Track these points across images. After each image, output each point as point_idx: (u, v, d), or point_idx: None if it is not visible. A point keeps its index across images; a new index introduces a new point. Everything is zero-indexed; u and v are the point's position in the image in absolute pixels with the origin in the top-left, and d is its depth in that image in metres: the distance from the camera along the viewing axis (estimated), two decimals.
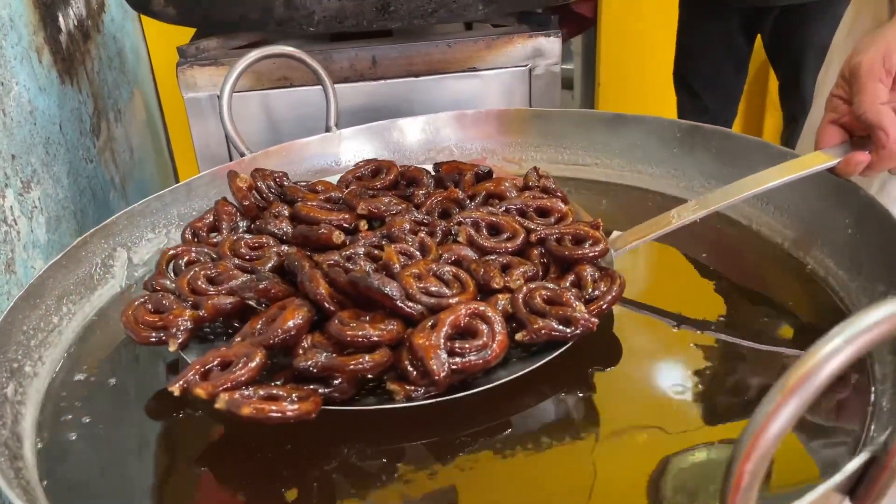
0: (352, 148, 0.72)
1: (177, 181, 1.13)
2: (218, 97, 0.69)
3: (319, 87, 0.71)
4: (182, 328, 0.45)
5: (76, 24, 0.98)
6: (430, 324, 0.43)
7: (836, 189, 0.53)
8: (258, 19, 0.75)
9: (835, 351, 0.24)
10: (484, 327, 0.43)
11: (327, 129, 0.72)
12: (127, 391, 0.49)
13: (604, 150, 0.70)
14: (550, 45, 0.85)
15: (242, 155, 0.68)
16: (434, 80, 0.85)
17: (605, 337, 0.50)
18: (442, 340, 0.42)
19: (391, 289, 0.43)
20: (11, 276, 0.67)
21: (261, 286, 0.46)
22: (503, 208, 0.55)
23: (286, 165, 0.66)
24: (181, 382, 0.40)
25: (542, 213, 0.55)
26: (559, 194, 0.57)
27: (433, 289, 0.46)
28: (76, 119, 0.93)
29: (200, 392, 0.39)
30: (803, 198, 0.56)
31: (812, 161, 0.52)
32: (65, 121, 0.87)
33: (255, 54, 0.67)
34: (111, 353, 0.52)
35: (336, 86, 0.73)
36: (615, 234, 0.55)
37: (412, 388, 0.41)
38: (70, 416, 0.45)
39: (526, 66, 0.86)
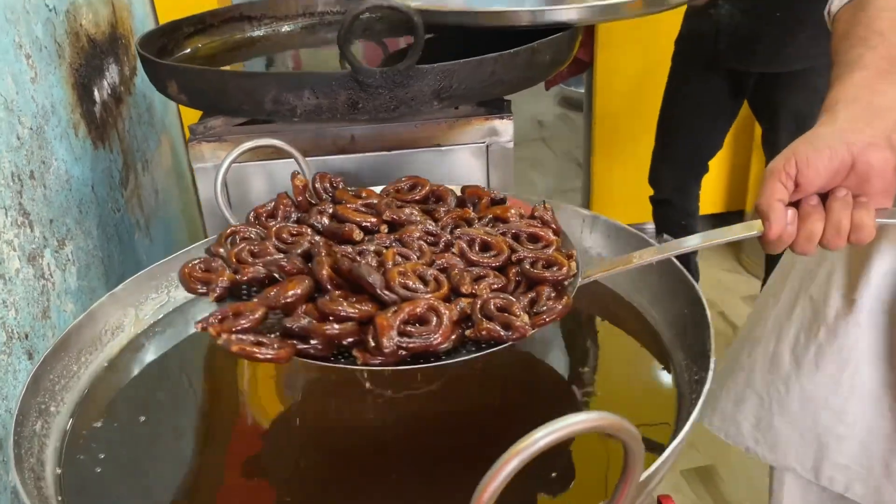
0: None
1: (200, 214, 1.29)
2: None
3: (318, 157, 0.86)
4: (221, 285, 0.59)
5: (109, 92, 1.15)
6: (393, 309, 0.55)
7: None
8: (252, 110, 0.90)
9: (540, 438, 0.38)
10: (434, 319, 0.55)
11: None
12: (133, 428, 0.65)
13: None
14: (503, 126, 0.99)
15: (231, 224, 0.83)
16: (404, 154, 1.00)
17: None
18: (397, 322, 0.53)
19: (373, 278, 0.56)
20: (47, 321, 0.83)
21: (282, 263, 0.60)
22: (501, 230, 0.66)
23: None
24: (202, 322, 0.54)
25: (534, 238, 0.65)
26: (553, 226, 0.67)
27: (411, 284, 0.57)
28: (107, 177, 1.09)
29: (211, 330, 0.53)
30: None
31: (740, 230, 0.62)
32: (97, 181, 1.04)
33: (241, 147, 0.82)
34: (119, 396, 0.68)
35: (321, 158, 0.88)
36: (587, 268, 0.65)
37: (369, 356, 0.53)
38: (84, 448, 0.61)
39: (483, 143, 1.00)
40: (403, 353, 0.54)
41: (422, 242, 0.63)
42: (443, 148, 1.00)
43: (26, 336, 0.77)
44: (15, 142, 0.80)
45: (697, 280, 2.04)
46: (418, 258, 0.61)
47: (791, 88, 1.48)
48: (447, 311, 0.55)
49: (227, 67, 1.15)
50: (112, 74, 1.16)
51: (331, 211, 0.69)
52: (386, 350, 0.53)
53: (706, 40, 1.51)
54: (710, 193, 2.22)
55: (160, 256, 1.29)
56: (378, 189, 0.75)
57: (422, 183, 0.74)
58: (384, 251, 0.61)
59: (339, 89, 0.86)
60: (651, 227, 2.69)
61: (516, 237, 0.65)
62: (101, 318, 0.71)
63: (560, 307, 0.57)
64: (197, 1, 1.40)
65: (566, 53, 1.03)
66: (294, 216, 0.71)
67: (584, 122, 2.32)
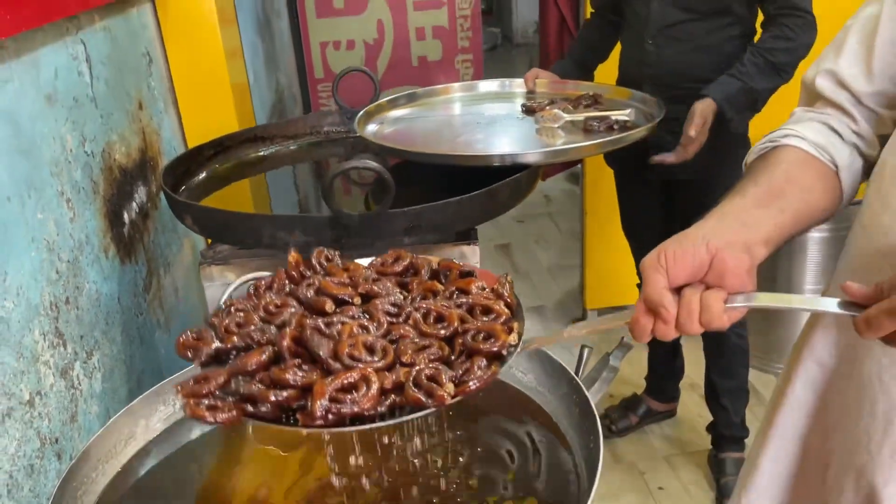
0: None
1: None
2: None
3: None
4: (205, 354, 0.70)
5: (137, 211, 1.33)
6: (331, 378, 0.63)
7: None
8: (252, 242, 1.07)
9: None
10: (364, 387, 0.63)
11: None
12: None
13: None
14: (470, 251, 1.14)
15: None
16: None
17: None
18: (330, 390, 0.62)
19: (323, 349, 0.66)
20: (74, 424, 0.99)
21: (253, 335, 0.70)
22: (459, 302, 0.74)
23: None
24: (178, 384, 0.66)
25: (487, 311, 0.73)
26: (507, 299, 0.75)
27: (356, 355, 0.66)
28: (132, 286, 1.26)
29: (181, 393, 0.65)
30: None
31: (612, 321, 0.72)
32: (122, 293, 1.21)
33: (239, 280, 0.98)
34: (130, 495, 0.82)
35: None
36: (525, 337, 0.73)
37: (308, 418, 0.62)
38: None
39: None
40: (332, 416, 0.61)
41: (386, 313, 0.71)
42: None
43: (56, 440, 0.93)
44: (54, 276, 0.97)
45: (682, 368, 2.14)
46: (376, 328, 0.69)
47: (709, 190, 1.67)
48: (376, 381, 0.63)
49: (241, 181, 1.33)
50: (140, 195, 1.34)
51: (317, 284, 0.77)
52: (317, 414, 0.61)
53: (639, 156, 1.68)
54: None
55: None
56: (367, 261, 0.85)
57: (403, 256, 0.83)
58: (343, 324, 0.69)
59: (324, 229, 1.03)
60: None
61: (471, 310, 0.73)
62: (117, 429, 0.87)
63: (485, 377, 0.65)
64: (220, 123, 1.58)
65: (527, 189, 1.18)
66: (287, 288, 0.79)
67: (578, 210, 2.48)
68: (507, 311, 0.74)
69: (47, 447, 0.91)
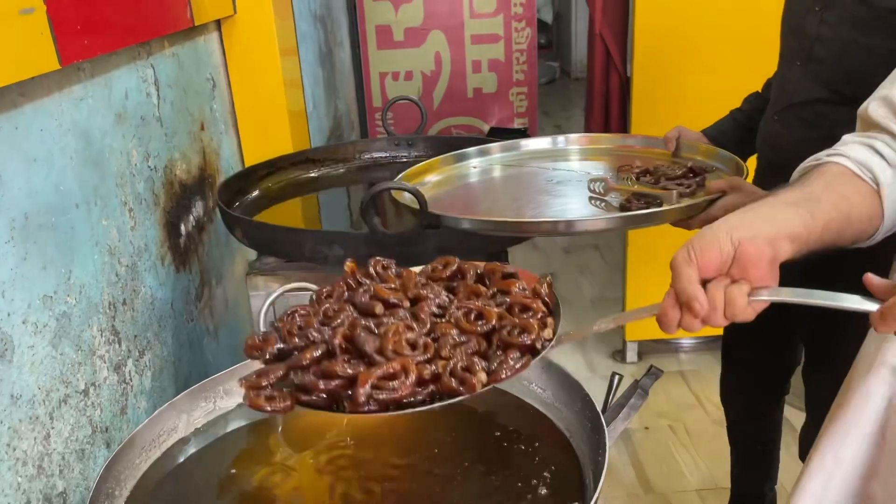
0: None
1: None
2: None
3: None
4: (268, 353, 0.77)
5: (194, 224, 1.42)
6: (374, 369, 0.69)
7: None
8: (295, 255, 1.14)
9: None
10: (403, 376, 0.69)
11: None
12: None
13: None
14: None
15: None
16: None
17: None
18: (372, 379, 0.68)
19: (369, 346, 0.72)
20: (124, 416, 1.06)
21: (311, 334, 0.76)
22: (500, 301, 0.80)
23: None
24: (242, 378, 0.73)
25: (525, 309, 0.78)
26: (545, 298, 0.80)
27: (399, 350, 0.71)
28: (184, 294, 1.35)
29: (244, 385, 0.72)
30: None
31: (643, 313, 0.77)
32: (175, 300, 1.30)
33: (279, 290, 1.05)
34: (168, 481, 0.89)
35: None
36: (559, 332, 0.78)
37: (352, 405, 0.69)
38: None
39: None
40: (375, 404, 0.68)
41: (431, 314, 0.77)
42: None
43: (106, 429, 1.01)
44: (114, 278, 1.06)
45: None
46: (420, 327, 0.75)
47: None
48: (414, 371, 0.69)
49: (292, 201, 1.41)
50: (198, 209, 1.44)
51: (371, 290, 0.83)
52: (360, 400, 0.67)
53: None
54: None
55: (226, 357, 1.54)
56: (418, 269, 0.91)
57: (451, 262, 0.88)
58: (391, 323, 0.75)
59: (361, 245, 1.09)
60: (680, 341, 2.79)
61: (510, 308, 0.78)
62: (160, 422, 0.94)
63: (517, 366, 0.71)
64: (277, 145, 1.68)
65: None
66: (346, 295, 0.85)
67: (622, 243, 2.49)
68: (543, 308, 0.78)
69: (97, 435, 0.98)
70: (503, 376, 0.71)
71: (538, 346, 0.74)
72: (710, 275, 0.70)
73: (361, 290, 0.85)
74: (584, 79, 7.52)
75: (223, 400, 1.00)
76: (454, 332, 0.76)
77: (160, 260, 1.24)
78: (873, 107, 0.84)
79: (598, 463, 0.79)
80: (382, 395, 0.69)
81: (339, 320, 0.79)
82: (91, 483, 0.90)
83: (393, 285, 0.85)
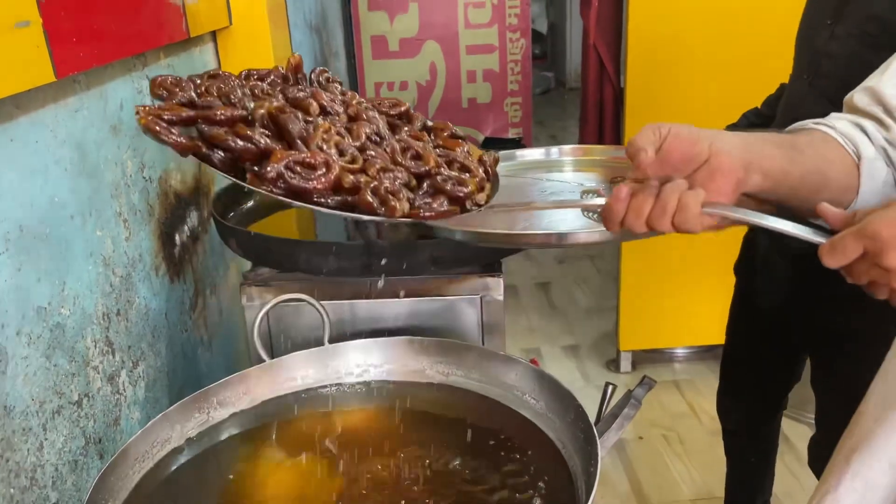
0: (341, 358, 1.08)
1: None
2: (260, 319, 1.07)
3: (342, 301, 1.10)
4: (178, 98, 0.69)
5: (188, 235, 1.42)
6: (293, 151, 0.63)
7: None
8: (290, 266, 1.15)
9: None
10: (323, 170, 0.64)
11: (323, 343, 1.09)
12: None
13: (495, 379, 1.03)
14: (495, 282, 1.19)
15: (263, 360, 1.06)
16: (413, 302, 1.21)
17: None
18: (288, 159, 0.62)
19: (295, 128, 0.65)
20: (117, 427, 1.06)
21: (230, 98, 0.69)
22: (441, 153, 0.75)
23: (283, 372, 1.03)
24: (140, 107, 0.65)
25: (464, 169, 0.74)
26: (488, 168, 0.77)
27: (325, 148, 0.66)
28: (179, 304, 1.35)
29: (141, 112, 0.63)
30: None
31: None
32: (170, 310, 1.30)
33: (273, 301, 1.05)
34: (161, 492, 0.89)
35: (346, 301, 1.11)
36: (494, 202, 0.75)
37: (256, 179, 0.63)
38: None
39: (478, 295, 1.20)
40: (282, 185, 0.61)
41: (367, 137, 0.70)
42: (445, 298, 1.21)
43: (99, 440, 1.00)
44: (108, 288, 1.06)
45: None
46: (353, 140, 0.68)
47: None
48: (336, 170, 0.63)
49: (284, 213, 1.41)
50: (192, 219, 1.44)
51: (308, 91, 0.75)
52: (268, 175, 0.61)
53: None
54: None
55: (220, 367, 1.54)
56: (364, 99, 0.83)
57: (401, 104, 0.82)
58: (322, 123, 0.67)
59: (355, 255, 1.09)
60: (675, 350, 2.80)
61: (450, 163, 0.73)
62: (154, 433, 0.94)
63: (441, 211, 0.67)
64: None
65: None
66: (279, 86, 0.77)
67: (614, 251, 2.50)
68: (483, 175, 0.74)
69: (91, 446, 0.98)
70: (424, 214, 0.66)
71: (467, 204, 0.70)
72: (671, 161, 0.68)
73: (297, 87, 0.76)
74: (578, 89, 7.55)
75: (216, 411, 1.00)
76: (387, 160, 0.70)
77: (154, 270, 1.24)
78: (858, 96, 0.85)
79: (590, 474, 0.79)
80: (295, 180, 0.62)
81: (268, 100, 0.70)
82: (84, 495, 0.90)
83: (335, 96, 0.78)
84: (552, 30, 8.40)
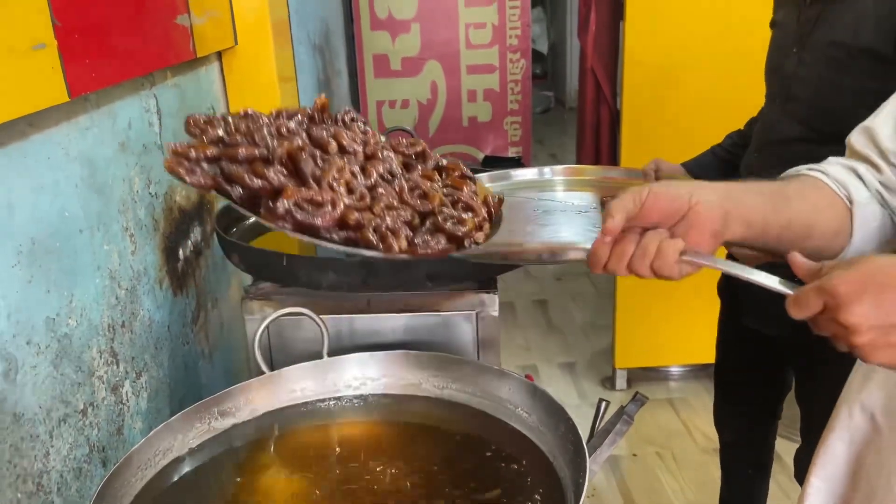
0: (340, 371, 1.11)
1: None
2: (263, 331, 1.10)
3: (341, 315, 1.14)
4: (209, 137, 0.71)
5: (192, 249, 1.45)
6: (304, 189, 0.67)
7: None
8: (290, 281, 1.18)
9: None
10: (329, 208, 0.68)
11: (322, 356, 1.12)
12: None
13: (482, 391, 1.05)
14: (490, 299, 1.22)
15: (263, 373, 1.09)
16: (410, 317, 1.24)
17: None
18: (298, 197, 0.67)
19: (308, 169, 0.69)
20: (120, 437, 1.09)
21: (255, 137, 0.72)
22: (448, 192, 0.80)
23: (284, 384, 1.06)
24: (170, 143, 0.69)
25: (468, 209, 0.78)
26: (492, 209, 0.81)
27: (335, 186, 0.70)
28: (181, 317, 1.38)
29: (168, 150, 0.67)
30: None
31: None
32: (172, 322, 1.33)
33: (274, 315, 1.08)
34: (163, 500, 0.91)
35: (345, 316, 1.14)
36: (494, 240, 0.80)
37: (269, 214, 0.67)
38: None
39: (474, 311, 1.24)
40: (290, 221, 0.65)
41: (379, 174, 0.75)
42: (441, 313, 1.24)
43: (103, 449, 1.03)
44: (113, 301, 1.09)
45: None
46: (364, 179, 0.73)
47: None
48: (342, 208, 0.67)
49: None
50: (196, 234, 1.47)
51: (331, 130, 0.78)
52: (278, 210, 0.65)
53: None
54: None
55: (220, 379, 1.56)
56: (384, 138, 0.88)
57: (418, 144, 0.87)
58: (337, 161, 0.72)
59: (354, 271, 1.13)
60: (670, 369, 2.83)
61: (455, 203, 0.77)
62: (156, 442, 0.96)
63: (438, 248, 0.71)
64: None
65: None
66: (305, 125, 0.80)
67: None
68: (485, 215, 0.79)
69: (94, 454, 1.01)
70: (421, 251, 0.70)
71: (465, 242, 0.74)
72: (651, 219, 0.71)
73: (322, 126, 0.81)
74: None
75: (217, 421, 1.03)
76: (394, 198, 0.74)
77: (158, 284, 1.27)
78: (855, 136, 0.87)
79: (578, 485, 0.82)
80: (300, 216, 0.67)
81: (289, 140, 0.75)
82: (87, 501, 0.93)
83: (355, 136, 0.82)
84: (553, 50, 8.48)
